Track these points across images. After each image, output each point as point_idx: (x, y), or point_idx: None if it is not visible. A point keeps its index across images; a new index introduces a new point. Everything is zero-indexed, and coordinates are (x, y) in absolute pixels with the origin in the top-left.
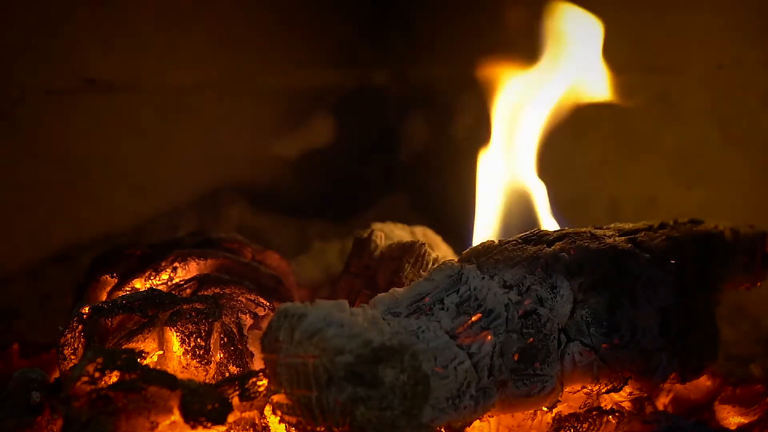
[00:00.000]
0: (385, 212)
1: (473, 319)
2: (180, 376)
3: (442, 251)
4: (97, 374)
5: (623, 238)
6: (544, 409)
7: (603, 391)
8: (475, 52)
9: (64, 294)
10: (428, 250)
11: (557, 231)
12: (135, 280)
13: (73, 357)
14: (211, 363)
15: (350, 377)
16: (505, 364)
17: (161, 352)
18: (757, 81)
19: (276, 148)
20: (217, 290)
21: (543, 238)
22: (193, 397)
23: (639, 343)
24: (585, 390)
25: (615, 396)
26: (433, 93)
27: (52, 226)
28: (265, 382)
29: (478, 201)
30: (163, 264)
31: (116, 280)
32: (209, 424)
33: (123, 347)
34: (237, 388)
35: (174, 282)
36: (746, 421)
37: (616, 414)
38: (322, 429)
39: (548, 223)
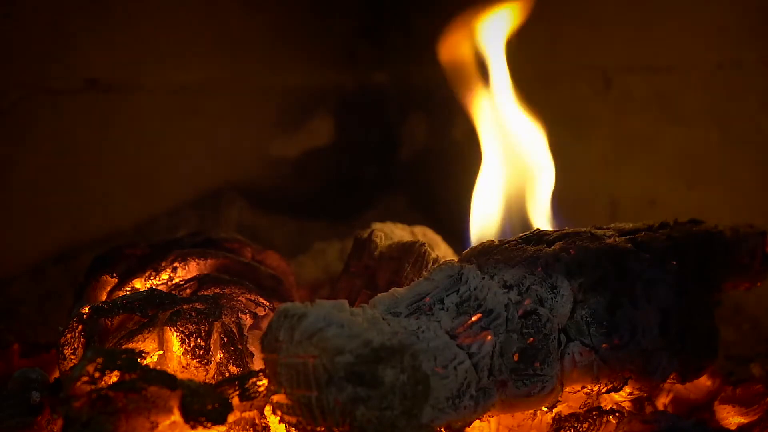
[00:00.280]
0: (385, 212)
1: (473, 319)
2: (180, 376)
3: (442, 251)
4: (97, 374)
5: (623, 238)
6: (544, 409)
7: (603, 391)
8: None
9: (64, 294)
10: (428, 250)
11: (557, 231)
12: (135, 280)
13: (73, 357)
14: (211, 363)
15: (350, 377)
16: (505, 364)
17: (161, 352)
18: (757, 81)
19: (276, 148)
20: (217, 290)
21: (543, 238)
22: (193, 397)
23: (639, 343)
24: (585, 390)
25: (615, 396)
26: (433, 93)
27: (52, 226)
28: (265, 382)
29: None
30: (163, 264)
31: (116, 280)
32: (209, 424)
33: (123, 347)
34: (237, 388)
35: (174, 282)
36: (746, 421)
37: (616, 414)
38: (322, 429)
39: (545, 220)
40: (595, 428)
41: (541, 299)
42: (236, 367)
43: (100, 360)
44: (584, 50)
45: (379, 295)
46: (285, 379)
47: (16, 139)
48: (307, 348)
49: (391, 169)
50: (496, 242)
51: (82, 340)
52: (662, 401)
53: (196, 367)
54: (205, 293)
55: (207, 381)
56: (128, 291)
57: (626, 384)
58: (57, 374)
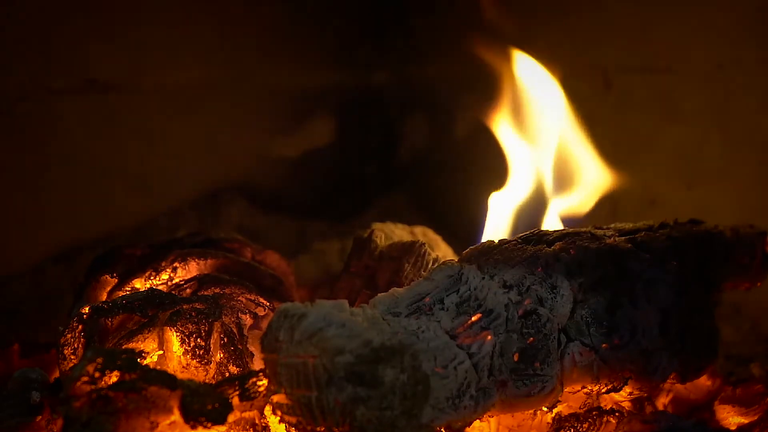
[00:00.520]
0: (385, 212)
1: (473, 319)
2: (180, 376)
3: (442, 251)
4: (97, 374)
5: (623, 238)
6: (544, 409)
7: (603, 391)
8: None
9: (64, 294)
10: (428, 250)
11: (557, 231)
12: (135, 280)
13: (73, 357)
14: (211, 363)
15: (350, 377)
16: (505, 364)
17: (161, 352)
18: (757, 81)
19: (276, 148)
20: (217, 290)
21: (543, 238)
22: (193, 397)
23: (639, 343)
24: (585, 390)
25: (615, 396)
26: (433, 93)
27: (52, 226)
28: (265, 382)
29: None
30: (163, 264)
31: (116, 280)
32: (209, 424)
33: (123, 347)
34: (237, 388)
35: (174, 282)
36: (746, 421)
37: (616, 414)
38: (322, 429)
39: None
40: (595, 428)
41: (541, 299)
42: (236, 367)
43: (100, 360)
44: (584, 50)
45: (379, 295)
46: (285, 379)
47: (16, 139)
48: (307, 348)
49: (391, 169)
50: (496, 242)
51: (82, 340)
52: (662, 401)
53: (196, 367)
54: (205, 293)
55: (207, 381)
56: (128, 291)
57: (626, 384)
58: (57, 374)
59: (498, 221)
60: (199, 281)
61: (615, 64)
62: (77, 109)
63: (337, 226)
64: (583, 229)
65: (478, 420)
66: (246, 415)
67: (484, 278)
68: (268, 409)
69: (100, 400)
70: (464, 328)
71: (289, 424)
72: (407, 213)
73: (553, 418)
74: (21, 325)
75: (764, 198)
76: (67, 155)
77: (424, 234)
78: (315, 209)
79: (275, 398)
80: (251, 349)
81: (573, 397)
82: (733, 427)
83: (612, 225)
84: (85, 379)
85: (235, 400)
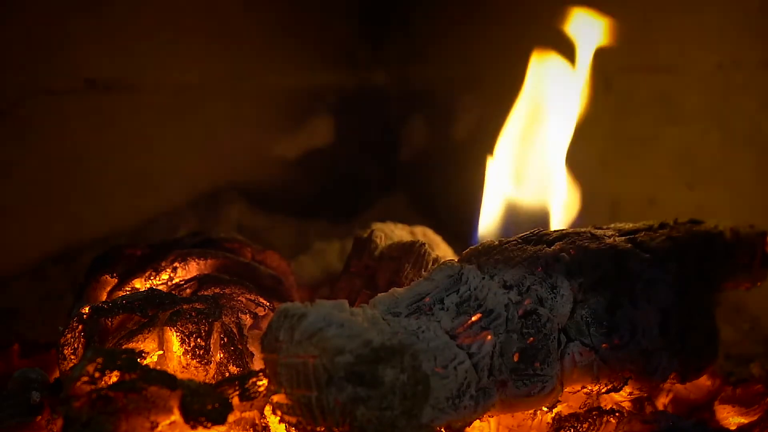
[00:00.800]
0: (385, 212)
1: (473, 319)
2: (180, 376)
3: (442, 251)
4: (97, 374)
5: (623, 238)
6: (544, 409)
7: (603, 391)
8: (476, 53)
9: (64, 294)
10: (428, 250)
11: (557, 231)
12: (135, 280)
13: (73, 357)
14: (211, 363)
15: (350, 377)
16: (505, 364)
17: (161, 352)
18: (757, 81)
19: (276, 148)
20: (217, 290)
21: (543, 238)
22: (193, 397)
23: (639, 343)
24: (585, 390)
25: (615, 396)
26: (433, 93)
27: (52, 226)
28: (265, 382)
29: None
30: (163, 264)
31: (116, 280)
32: (209, 424)
33: (123, 347)
34: (237, 388)
35: (174, 282)
36: (746, 421)
37: (616, 414)
38: (322, 429)
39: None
40: (595, 428)
41: (541, 299)
42: (236, 367)
43: (100, 360)
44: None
45: (379, 295)
46: (285, 379)
47: (16, 139)
48: (307, 348)
49: (391, 169)
50: (496, 242)
51: (82, 340)
52: (662, 401)
53: (196, 367)
54: (205, 293)
55: (207, 381)
56: (128, 291)
57: (626, 384)
58: (57, 374)
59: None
60: (199, 281)
61: (615, 64)
62: (77, 109)
63: (337, 226)
64: (583, 229)
65: (478, 420)
66: (246, 415)
67: (484, 278)
68: (268, 409)
69: (100, 400)
70: (464, 328)
71: (289, 424)
72: (407, 213)
73: (553, 418)
74: (21, 325)
75: (764, 198)
76: (67, 155)
77: (424, 234)
78: (315, 209)
79: (275, 398)
80: (251, 349)
81: (573, 397)
82: (733, 427)
83: (612, 225)
84: (85, 379)
85: (235, 400)
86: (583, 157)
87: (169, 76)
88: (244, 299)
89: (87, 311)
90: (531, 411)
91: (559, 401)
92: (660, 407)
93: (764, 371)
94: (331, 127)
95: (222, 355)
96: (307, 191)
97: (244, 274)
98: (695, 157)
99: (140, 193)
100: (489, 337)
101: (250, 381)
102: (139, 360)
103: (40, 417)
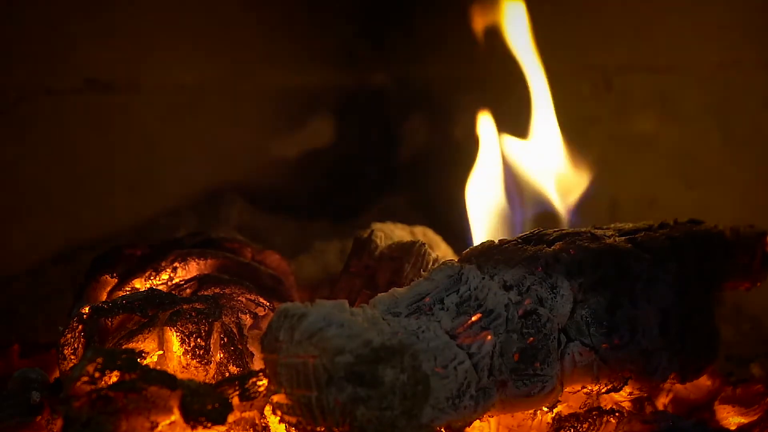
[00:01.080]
0: (385, 212)
1: (473, 319)
2: (180, 376)
3: (442, 251)
4: (97, 374)
5: (623, 238)
6: (544, 409)
7: (603, 391)
8: (476, 53)
9: (64, 294)
10: (428, 250)
11: (557, 231)
12: (135, 280)
13: (73, 357)
14: (211, 363)
15: (350, 377)
16: (505, 364)
17: (161, 352)
18: (757, 81)
19: (276, 148)
20: (217, 290)
21: (543, 238)
22: (193, 397)
23: (639, 343)
24: (585, 390)
25: (615, 396)
26: (433, 93)
27: (52, 226)
28: (265, 382)
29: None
30: (163, 264)
31: (116, 280)
32: (209, 424)
33: (123, 347)
34: (237, 388)
35: (174, 282)
36: (746, 421)
37: (616, 414)
38: (322, 429)
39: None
40: (595, 428)
41: (541, 299)
42: (236, 367)
43: (100, 360)
44: (584, 50)
45: (379, 295)
46: (285, 379)
47: (16, 139)
48: (307, 348)
49: (391, 169)
50: (496, 242)
51: (82, 340)
52: (662, 401)
53: (196, 367)
54: (205, 293)
55: (207, 381)
56: (128, 291)
57: (626, 384)
58: (57, 374)
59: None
60: (199, 281)
61: (615, 64)
62: (77, 109)
63: (337, 226)
64: (583, 229)
65: (478, 420)
66: (246, 415)
67: (484, 278)
68: (268, 409)
69: (100, 400)
70: (464, 328)
71: (289, 424)
72: (407, 213)
73: (553, 418)
74: (21, 325)
75: (764, 198)
76: (67, 155)
77: (424, 234)
78: (315, 209)
79: (275, 398)
80: (251, 349)
81: (573, 397)
82: (733, 427)
83: (612, 225)
84: (85, 379)
85: (235, 400)
86: (582, 157)
87: (169, 76)
88: (244, 299)
89: (87, 311)
90: (531, 411)
91: (559, 401)
92: (660, 407)
93: (764, 371)
94: (331, 127)
95: (222, 355)
96: (307, 191)
97: (244, 274)
98: (695, 157)
99: (140, 193)
100: (489, 337)
101: (250, 381)
102: (139, 360)
103: (40, 417)
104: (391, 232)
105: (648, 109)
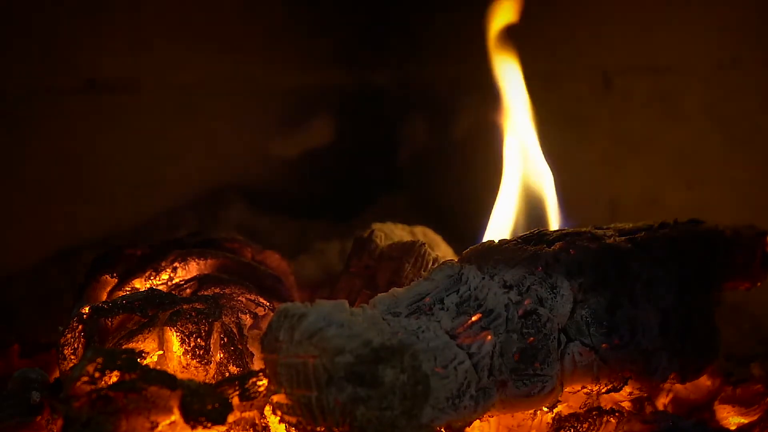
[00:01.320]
0: (385, 212)
1: (473, 319)
2: (180, 376)
3: (442, 251)
4: (97, 374)
5: (623, 238)
6: (544, 409)
7: (603, 391)
8: (476, 53)
9: (64, 294)
10: (428, 250)
11: (557, 231)
12: (135, 280)
13: (73, 357)
14: (211, 363)
15: (350, 377)
16: (505, 364)
17: (161, 352)
18: (757, 81)
19: (276, 148)
20: (217, 290)
21: (543, 238)
22: (193, 397)
23: (639, 343)
24: (585, 390)
25: (615, 396)
26: (433, 93)
27: (52, 226)
28: (265, 382)
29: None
30: (163, 264)
31: (116, 280)
32: (209, 424)
33: (123, 347)
34: (237, 388)
35: (174, 282)
36: (746, 421)
37: (616, 414)
38: (322, 429)
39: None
40: (595, 428)
41: (541, 299)
42: (236, 367)
43: (100, 360)
44: (584, 50)
45: (379, 295)
46: (285, 379)
47: (16, 139)
48: (307, 348)
49: (391, 169)
50: (496, 242)
51: (82, 340)
52: (662, 401)
53: (196, 367)
54: (205, 293)
55: (207, 381)
56: (128, 291)
57: (626, 384)
58: (57, 374)
59: (500, 221)
60: (199, 281)
61: (615, 64)
62: (78, 109)
63: (337, 226)
64: (583, 229)
65: (478, 420)
66: (246, 415)
67: (484, 278)
68: (268, 409)
69: (100, 400)
70: (464, 328)
71: (289, 424)
72: (407, 213)
73: (553, 418)
74: (21, 325)
75: (764, 198)
76: (68, 155)
77: (424, 234)
78: (315, 209)
79: (275, 398)
80: (251, 349)
81: (573, 397)
82: (733, 427)
83: (612, 225)
84: (85, 379)
85: (235, 400)
86: (583, 157)
87: (169, 76)
88: (244, 299)
89: (87, 311)
90: (531, 411)
91: (559, 401)
92: (660, 407)
93: (764, 371)
94: (331, 127)
95: (222, 355)
96: (307, 191)
97: (244, 274)
98: (695, 157)
99: (140, 193)
100: (489, 337)
101: (250, 381)
102: (139, 360)
103: (40, 417)
104: (391, 232)
105: (648, 109)
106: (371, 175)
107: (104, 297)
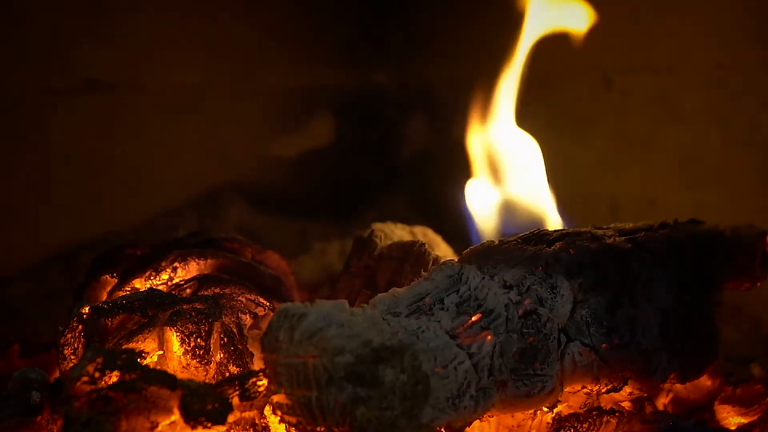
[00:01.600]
0: (385, 212)
1: (473, 319)
2: (180, 376)
3: (442, 251)
4: (97, 374)
5: (623, 238)
6: (544, 409)
7: (603, 391)
8: (476, 53)
9: (64, 294)
10: (428, 250)
11: (557, 231)
12: (135, 280)
13: (73, 357)
14: (211, 363)
15: (350, 377)
16: (505, 364)
17: (161, 352)
18: (757, 81)
19: (276, 148)
20: (217, 290)
21: (543, 238)
22: (193, 397)
23: (639, 343)
24: (585, 390)
25: (615, 396)
26: (433, 93)
27: (52, 226)
28: (265, 382)
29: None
30: (163, 264)
31: (116, 280)
32: (209, 424)
33: (123, 347)
34: (237, 388)
35: (174, 282)
36: (746, 421)
37: (616, 414)
38: (322, 429)
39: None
40: (595, 428)
41: (541, 299)
42: (236, 367)
43: (100, 360)
44: (584, 50)
45: (379, 295)
46: (285, 379)
47: (16, 139)
48: (307, 348)
49: (391, 169)
50: (496, 242)
51: (82, 340)
52: (662, 401)
53: (196, 367)
54: (205, 293)
55: (207, 381)
56: (128, 291)
57: (626, 384)
58: (57, 374)
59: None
60: (199, 281)
61: (615, 64)
62: (77, 109)
63: (337, 226)
64: (583, 229)
65: (478, 420)
66: (246, 415)
67: (484, 278)
68: (268, 409)
69: (100, 400)
70: (464, 328)
71: (289, 424)
72: (407, 213)
73: (553, 418)
74: (21, 325)
75: (764, 198)
76: (67, 155)
77: (424, 234)
78: (315, 209)
79: (275, 398)
80: (251, 349)
81: (573, 397)
82: (733, 427)
83: (612, 225)
84: (85, 379)
85: (235, 400)
86: (583, 157)
87: (169, 76)
88: (244, 299)
89: (87, 311)
90: (531, 411)
91: (559, 401)
92: (660, 407)
93: (764, 371)
94: (331, 127)
95: (222, 355)
96: (307, 191)
97: (244, 274)
98: (695, 157)
99: (140, 193)
100: (489, 337)
101: (250, 381)
102: (139, 360)
103: (40, 417)
104: (391, 232)
105: (648, 109)
106: (371, 175)
107: (104, 297)
